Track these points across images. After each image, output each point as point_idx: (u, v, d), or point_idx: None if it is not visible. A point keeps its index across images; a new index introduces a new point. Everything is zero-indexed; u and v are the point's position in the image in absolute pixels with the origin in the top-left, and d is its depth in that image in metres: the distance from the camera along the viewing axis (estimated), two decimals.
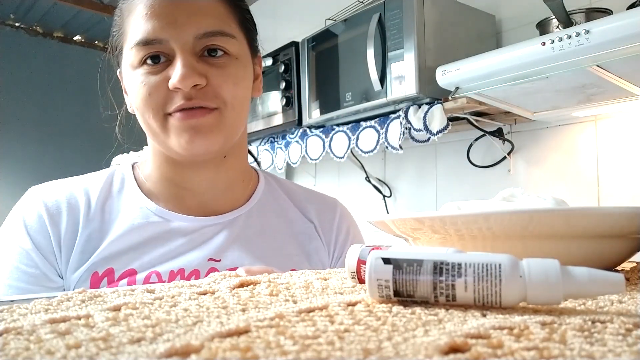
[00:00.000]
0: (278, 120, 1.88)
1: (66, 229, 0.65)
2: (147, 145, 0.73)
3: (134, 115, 0.69)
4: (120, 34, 0.66)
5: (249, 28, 0.70)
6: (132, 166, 0.74)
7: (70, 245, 0.64)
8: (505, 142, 1.49)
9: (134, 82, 0.63)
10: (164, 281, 0.62)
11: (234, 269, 0.64)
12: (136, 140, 0.76)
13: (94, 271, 0.62)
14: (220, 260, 0.66)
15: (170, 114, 0.62)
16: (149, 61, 0.62)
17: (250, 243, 0.70)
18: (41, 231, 0.64)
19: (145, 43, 0.61)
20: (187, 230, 0.67)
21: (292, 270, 0.70)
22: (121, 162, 1.05)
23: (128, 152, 1.53)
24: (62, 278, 0.64)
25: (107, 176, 0.71)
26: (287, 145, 1.91)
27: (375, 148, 1.54)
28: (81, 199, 0.67)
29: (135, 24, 0.63)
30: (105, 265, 0.63)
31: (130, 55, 0.63)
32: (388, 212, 1.89)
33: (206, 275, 0.50)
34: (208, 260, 0.66)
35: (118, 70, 0.71)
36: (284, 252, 0.72)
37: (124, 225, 0.66)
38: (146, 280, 0.62)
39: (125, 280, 0.62)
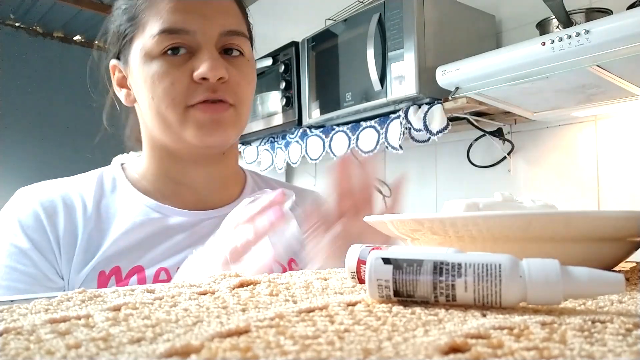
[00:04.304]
0: (278, 120, 1.88)
1: (65, 227, 0.64)
2: (135, 137, 0.73)
3: (125, 108, 0.69)
4: (134, 24, 0.66)
5: (251, 34, 0.73)
6: (122, 166, 0.74)
7: (71, 244, 0.63)
8: (505, 142, 1.49)
9: (151, 71, 0.63)
10: (172, 277, 0.62)
11: None
12: (123, 131, 0.76)
13: (101, 270, 0.62)
14: None
15: (191, 107, 0.63)
16: (169, 52, 0.63)
17: None
18: (39, 230, 0.63)
19: (171, 32, 0.62)
20: (186, 225, 0.68)
21: (291, 260, 0.70)
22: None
23: (128, 152, 1.53)
24: (62, 278, 0.63)
25: (98, 177, 0.71)
26: (287, 145, 1.91)
27: (375, 148, 1.54)
28: (76, 198, 0.67)
29: (159, 14, 0.63)
30: (111, 264, 0.62)
31: (148, 44, 0.63)
32: None
33: None
34: None
35: (114, 61, 0.70)
36: (284, 240, 0.73)
37: (125, 224, 0.66)
38: (156, 277, 0.62)
39: (135, 277, 0.62)
